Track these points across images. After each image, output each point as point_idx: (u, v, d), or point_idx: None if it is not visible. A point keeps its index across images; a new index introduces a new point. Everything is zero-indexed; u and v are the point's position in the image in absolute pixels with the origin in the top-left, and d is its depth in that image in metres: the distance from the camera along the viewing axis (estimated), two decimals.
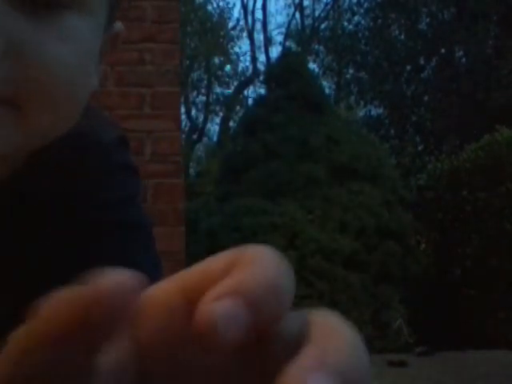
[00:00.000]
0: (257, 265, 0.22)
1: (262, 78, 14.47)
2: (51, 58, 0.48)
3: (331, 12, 15.40)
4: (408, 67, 12.12)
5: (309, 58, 13.64)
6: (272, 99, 6.08)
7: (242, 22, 16.92)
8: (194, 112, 16.45)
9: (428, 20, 12.34)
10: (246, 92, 16.95)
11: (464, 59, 11.79)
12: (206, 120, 16.50)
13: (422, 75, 12.15)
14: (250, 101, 15.54)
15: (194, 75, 15.94)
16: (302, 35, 15.73)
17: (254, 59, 16.38)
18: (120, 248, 0.61)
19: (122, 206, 0.63)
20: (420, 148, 11.55)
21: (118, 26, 0.61)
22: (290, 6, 17.34)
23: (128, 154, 0.69)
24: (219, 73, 16.22)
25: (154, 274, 0.61)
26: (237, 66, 16.64)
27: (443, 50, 11.82)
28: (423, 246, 5.93)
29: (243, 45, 17.18)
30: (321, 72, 13.97)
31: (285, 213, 5.24)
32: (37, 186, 0.61)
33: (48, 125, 0.51)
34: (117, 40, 0.61)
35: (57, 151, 0.62)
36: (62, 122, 0.53)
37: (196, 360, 0.23)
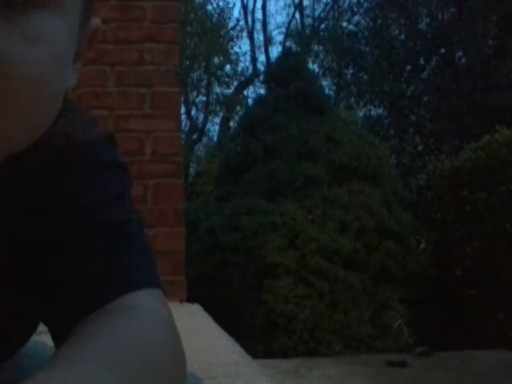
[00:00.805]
0: None
1: (261, 78, 14.47)
2: (17, 60, 0.46)
3: (331, 12, 15.39)
4: (408, 67, 12.11)
5: (309, 58, 13.64)
6: (272, 99, 6.07)
7: (242, 22, 16.92)
8: (194, 112, 16.45)
9: (428, 20, 12.34)
10: (246, 92, 16.96)
11: (464, 59, 11.79)
12: (206, 120, 16.49)
13: (422, 75, 12.14)
14: (250, 101, 15.55)
15: (194, 75, 15.93)
16: (301, 35, 15.72)
17: (253, 59, 16.38)
18: (109, 247, 0.60)
19: (111, 204, 0.62)
20: (420, 148, 11.55)
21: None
22: (289, 6, 17.35)
23: (115, 151, 0.67)
24: (219, 73, 16.21)
25: (144, 271, 0.61)
26: (237, 65, 16.63)
27: (443, 50, 11.81)
28: (423, 245, 5.92)
29: (243, 45, 17.20)
30: (321, 72, 13.97)
31: (285, 213, 5.24)
32: (23, 188, 0.60)
33: (16, 128, 0.49)
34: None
35: (42, 152, 0.61)
36: (33, 124, 0.51)
37: None
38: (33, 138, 0.53)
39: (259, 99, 6.95)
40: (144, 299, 0.57)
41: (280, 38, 17.01)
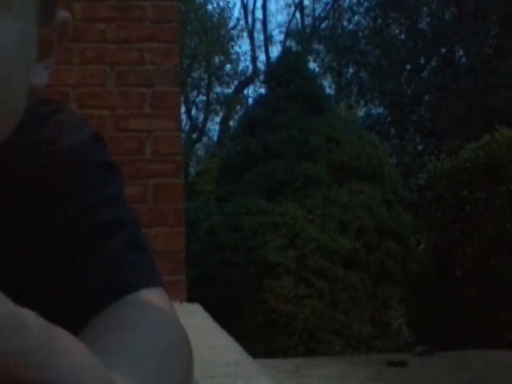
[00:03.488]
0: None
1: (262, 77, 14.48)
2: None
3: (331, 11, 15.39)
4: (408, 67, 12.11)
5: (309, 57, 13.63)
6: (272, 99, 6.07)
7: (242, 22, 16.92)
8: (194, 112, 16.45)
9: (428, 20, 12.34)
10: (246, 92, 16.96)
11: (464, 59, 11.79)
12: (206, 120, 16.49)
13: (422, 75, 12.14)
14: (250, 100, 15.55)
15: (194, 75, 15.92)
16: (302, 35, 15.71)
17: (254, 59, 16.38)
18: (108, 247, 0.59)
19: (106, 204, 0.61)
20: (420, 148, 11.55)
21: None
22: (290, 6, 17.35)
23: (104, 150, 0.66)
24: (219, 72, 16.20)
25: (146, 269, 0.60)
26: (237, 65, 16.62)
27: (443, 50, 11.82)
28: (423, 245, 5.92)
29: (243, 44, 17.21)
30: (321, 72, 13.96)
31: (285, 212, 5.24)
32: (10, 198, 0.60)
33: None
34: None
35: (29, 159, 0.60)
36: None
37: None
38: None
39: (259, 99, 6.96)
40: (148, 298, 0.57)
41: (280, 37, 16.98)
